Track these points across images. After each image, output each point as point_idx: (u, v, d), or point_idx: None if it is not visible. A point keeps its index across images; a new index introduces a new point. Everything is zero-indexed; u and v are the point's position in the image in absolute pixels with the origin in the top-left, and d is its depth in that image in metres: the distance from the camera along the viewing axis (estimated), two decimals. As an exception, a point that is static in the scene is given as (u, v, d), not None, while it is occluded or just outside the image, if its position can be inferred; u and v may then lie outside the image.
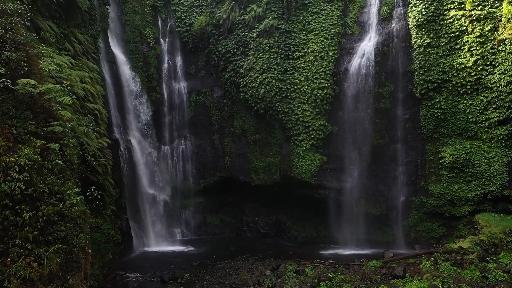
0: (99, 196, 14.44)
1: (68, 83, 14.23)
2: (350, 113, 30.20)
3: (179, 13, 35.26)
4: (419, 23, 28.02)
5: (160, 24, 35.49)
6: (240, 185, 34.07)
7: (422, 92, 27.97)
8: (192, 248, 29.59)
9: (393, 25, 29.66)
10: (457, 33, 27.15)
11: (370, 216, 30.10)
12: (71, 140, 12.60)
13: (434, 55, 27.64)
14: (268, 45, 31.86)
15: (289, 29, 31.81)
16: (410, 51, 28.86)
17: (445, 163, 27.31)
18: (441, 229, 27.97)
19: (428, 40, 27.71)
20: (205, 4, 34.90)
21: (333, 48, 30.77)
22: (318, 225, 32.28)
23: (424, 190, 28.42)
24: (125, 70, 31.01)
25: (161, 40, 35.36)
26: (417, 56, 28.10)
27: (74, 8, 22.95)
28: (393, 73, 29.38)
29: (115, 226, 25.14)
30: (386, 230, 29.92)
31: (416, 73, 28.15)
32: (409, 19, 28.71)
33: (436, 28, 27.75)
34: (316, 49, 30.85)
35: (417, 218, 28.63)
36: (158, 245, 29.73)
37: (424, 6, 27.98)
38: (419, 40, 28.08)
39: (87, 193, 13.63)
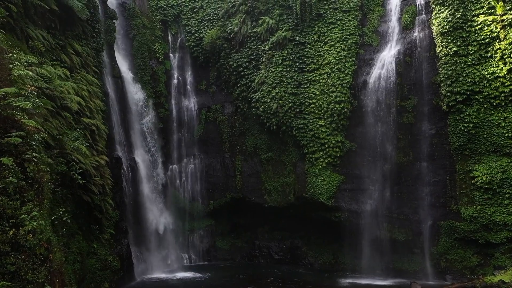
0: (68, 221, 12.51)
1: (32, 87, 12.59)
2: (370, 129, 28.01)
3: (189, 27, 34.14)
4: (444, 30, 25.87)
5: (170, 39, 34.40)
6: (252, 206, 31.94)
7: (450, 104, 25.54)
8: (199, 275, 27.42)
9: (416, 33, 27.57)
10: (488, 40, 24.80)
11: (394, 242, 27.43)
12: (36, 155, 10.78)
13: (462, 64, 25.30)
14: (281, 57, 30.16)
15: (303, 41, 30.10)
16: (435, 61, 26.67)
17: (478, 183, 24.57)
18: (476, 257, 24.97)
19: (455, 49, 25.45)
20: (216, 18, 33.74)
21: (351, 59, 28.80)
22: (337, 251, 29.70)
23: (454, 214, 25.65)
24: (131, 85, 29.74)
25: (171, 55, 34.18)
26: (443, 66, 25.83)
27: (72, 19, 21.80)
28: (416, 84, 27.13)
29: (113, 251, 23.20)
30: (412, 258, 27.07)
31: (443, 84, 25.82)
32: (433, 26, 26.64)
33: (464, 35, 25.50)
34: (332, 60, 28.95)
35: (448, 245, 25.72)
36: (163, 272, 27.68)
37: (449, 12, 25.84)
38: (444, 49, 25.86)
39: (61, 216, 11.72)
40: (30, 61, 14.18)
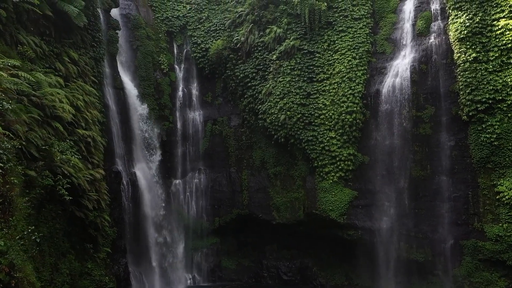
0: (38, 240, 11.09)
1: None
2: (384, 141, 26.53)
3: (195, 38, 33.25)
4: (462, 36, 24.40)
5: (175, 51, 33.52)
6: (259, 223, 30.41)
7: (470, 114, 23.86)
8: (203, 297, 25.74)
9: (431, 40, 26.14)
10: (510, 45, 23.27)
11: (412, 262, 25.61)
12: (1, 165, 9.47)
13: (483, 71, 23.71)
14: (289, 67, 28.94)
15: (312, 50, 28.89)
16: (452, 68, 25.17)
17: (503, 199, 22.70)
18: (503, 280, 22.99)
19: (474, 55, 23.92)
20: (223, 28, 32.84)
21: (362, 68, 27.44)
22: (350, 272, 27.94)
23: (478, 232, 23.77)
24: (134, 97, 28.74)
25: (176, 66, 33.22)
26: (461, 73, 24.27)
27: (69, 26, 20.91)
28: (433, 93, 25.60)
29: (109, 271, 21.73)
30: (432, 281, 25.17)
31: (462, 92, 24.20)
32: (450, 32, 25.20)
33: (483, 40, 23.96)
34: (343, 69, 27.61)
35: (472, 267, 23.69)
36: (164, 294, 26.06)
37: (467, 17, 24.39)
38: (463, 55, 24.32)
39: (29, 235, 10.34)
40: (10, 64, 13.06)
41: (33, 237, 10.23)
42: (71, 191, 17.95)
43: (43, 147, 14.84)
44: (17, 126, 12.48)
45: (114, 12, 29.46)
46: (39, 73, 16.30)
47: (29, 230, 10.22)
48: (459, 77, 24.45)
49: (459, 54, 24.55)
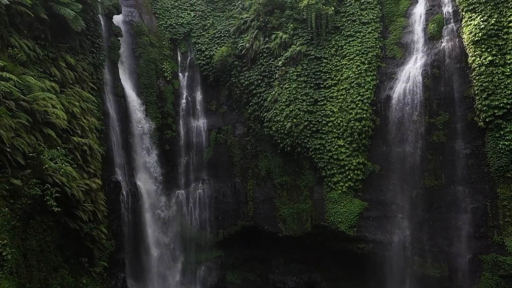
0: (9, 257, 10.07)
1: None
2: (395, 149, 25.46)
3: (199, 45, 32.55)
4: (477, 38, 23.36)
5: (179, 58, 32.80)
6: (265, 236, 29.24)
7: (487, 120, 22.62)
8: (205, 314, 24.49)
9: (444, 43, 25.09)
10: (528, 47, 21.97)
11: (427, 278, 24.39)
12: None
13: (500, 75, 22.60)
14: (295, 73, 28.00)
15: (319, 55, 28.00)
16: (467, 73, 24.05)
17: (525, 210, 21.14)
18: (527, 299, 21.26)
19: (490, 58, 22.83)
20: (227, 35, 32.15)
21: (372, 73, 26.47)
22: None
23: (498, 246, 22.41)
24: (136, 105, 28.00)
25: (180, 74, 32.46)
26: (477, 78, 23.11)
27: (66, 30, 20.25)
28: (447, 99, 24.49)
29: (106, 286, 20.70)
30: (449, 298, 23.49)
31: (477, 97, 23.01)
32: (464, 35, 24.16)
33: (500, 43, 22.95)
34: (351, 75, 26.61)
35: (492, 283, 22.24)
36: (164, 310, 24.87)
37: (482, 19, 23.34)
38: (478, 59, 23.20)
39: None
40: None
41: (4, 253, 9.20)
42: (64, 202, 17.10)
43: (30, 155, 13.92)
44: (1, 131, 11.57)
45: (117, 19, 28.92)
46: (30, 77, 15.47)
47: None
48: (475, 81, 23.26)
49: (474, 57, 23.42)
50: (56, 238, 17.19)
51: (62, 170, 15.18)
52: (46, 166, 14.30)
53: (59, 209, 14.77)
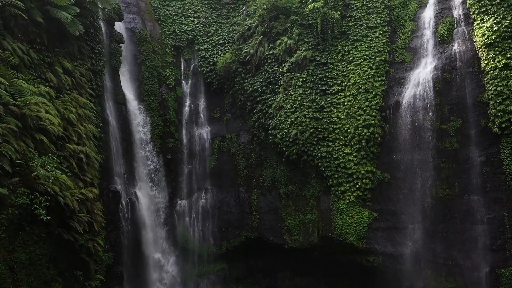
0: None
1: None
2: (405, 156, 24.51)
3: (203, 52, 31.98)
4: (490, 41, 22.53)
5: (182, 65, 32.24)
6: (270, 248, 28.29)
7: (502, 126, 21.62)
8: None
9: (455, 47, 24.23)
10: (544, 49, 20.97)
11: (441, 293, 22.68)
12: None
13: (515, 79, 21.43)
14: (300, 79, 27.25)
15: (325, 61, 27.30)
16: (480, 77, 23.11)
17: (545, 221, 19.93)
18: (549, 316, 19.91)
19: (504, 61, 21.95)
20: (231, 41, 31.58)
21: (380, 78, 25.67)
22: (371, 303, 25.09)
23: (517, 259, 20.87)
24: (137, 113, 27.40)
25: (183, 81, 31.84)
26: (491, 82, 22.18)
27: (64, 35, 19.70)
28: (459, 104, 23.53)
29: (103, 301, 19.73)
30: (465, 314, 22.17)
31: (492, 102, 22.01)
32: (476, 38, 23.29)
33: (514, 45, 21.79)
34: (359, 80, 25.79)
35: (511, 299, 20.77)
36: (165, 326, 23.81)
37: (495, 21, 22.53)
38: (492, 62, 22.29)
39: None
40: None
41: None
42: (57, 212, 16.31)
43: (18, 161, 13.16)
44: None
45: (119, 26, 28.49)
46: (22, 81, 14.80)
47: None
48: (488, 85, 22.26)
49: (487, 61, 22.48)
50: (49, 250, 16.32)
51: (53, 178, 14.38)
52: (35, 173, 13.51)
53: (48, 218, 13.94)
